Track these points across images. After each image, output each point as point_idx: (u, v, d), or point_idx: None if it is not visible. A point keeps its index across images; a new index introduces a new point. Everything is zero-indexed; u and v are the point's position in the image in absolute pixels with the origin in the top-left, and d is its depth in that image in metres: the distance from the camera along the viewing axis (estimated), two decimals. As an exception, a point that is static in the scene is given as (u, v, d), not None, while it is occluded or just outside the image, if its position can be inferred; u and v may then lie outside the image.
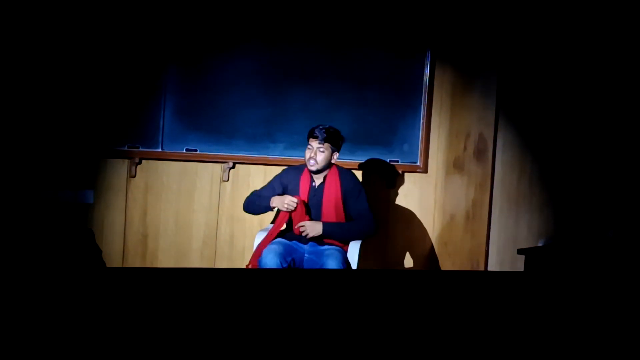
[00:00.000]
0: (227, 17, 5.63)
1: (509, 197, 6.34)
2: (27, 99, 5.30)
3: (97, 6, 5.39)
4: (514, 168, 6.32)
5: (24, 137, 5.30)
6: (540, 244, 6.25)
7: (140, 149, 5.57)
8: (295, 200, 4.91)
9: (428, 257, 6.25)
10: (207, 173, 5.74)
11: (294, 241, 5.06)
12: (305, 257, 5.03)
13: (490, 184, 6.31)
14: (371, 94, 5.98)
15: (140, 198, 5.64)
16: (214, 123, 5.66)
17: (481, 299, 3.17)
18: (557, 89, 6.20)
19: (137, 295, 2.75)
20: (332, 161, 5.08)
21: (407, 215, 6.20)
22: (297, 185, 5.06)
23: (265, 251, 4.85)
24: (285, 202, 4.93)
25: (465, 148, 6.25)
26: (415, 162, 6.12)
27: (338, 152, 5.08)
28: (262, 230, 5.26)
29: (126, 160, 5.57)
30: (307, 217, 5.00)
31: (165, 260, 5.70)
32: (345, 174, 5.13)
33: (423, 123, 6.10)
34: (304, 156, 5.09)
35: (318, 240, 5.02)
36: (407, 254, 6.22)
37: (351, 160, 5.92)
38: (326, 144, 4.98)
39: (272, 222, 5.31)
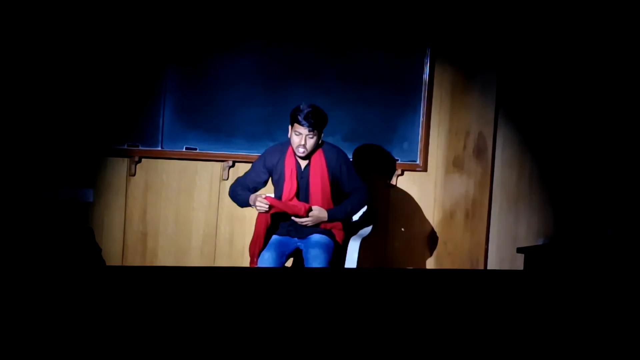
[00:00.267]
0: (227, 16, 5.63)
1: (509, 196, 6.34)
2: (26, 97, 5.30)
3: (98, 5, 5.38)
4: (513, 167, 6.32)
5: (24, 136, 5.30)
6: (539, 243, 6.26)
7: (140, 148, 5.57)
8: (266, 204, 4.79)
9: (427, 256, 6.25)
10: (206, 172, 5.74)
11: (285, 237, 5.02)
12: (300, 247, 5.02)
13: (490, 183, 6.31)
14: (371, 92, 5.98)
15: (140, 196, 5.63)
16: (214, 122, 5.66)
17: (481, 297, 3.18)
18: (557, 87, 6.21)
19: (137, 294, 2.75)
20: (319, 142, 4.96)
21: (407, 214, 6.20)
22: (283, 169, 4.94)
23: (259, 261, 4.88)
24: (256, 206, 4.85)
25: (464, 146, 6.25)
26: (415, 161, 6.12)
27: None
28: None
29: (126, 159, 5.57)
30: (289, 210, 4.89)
31: (165, 258, 5.70)
32: (329, 151, 4.99)
33: (423, 121, 6.10)
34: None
35: (313, 226, 4.98)
36: (407, 253, 6.22)
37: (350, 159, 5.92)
38: (315, 130, 4.85)
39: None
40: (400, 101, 6.05)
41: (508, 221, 6.34)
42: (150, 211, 5.67)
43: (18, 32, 5.23)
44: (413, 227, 6.21)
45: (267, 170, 5.01)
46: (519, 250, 5.26)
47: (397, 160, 6.06)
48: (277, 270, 4.45)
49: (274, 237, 5.02)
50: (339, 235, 5.03)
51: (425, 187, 6.18)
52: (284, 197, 4.90)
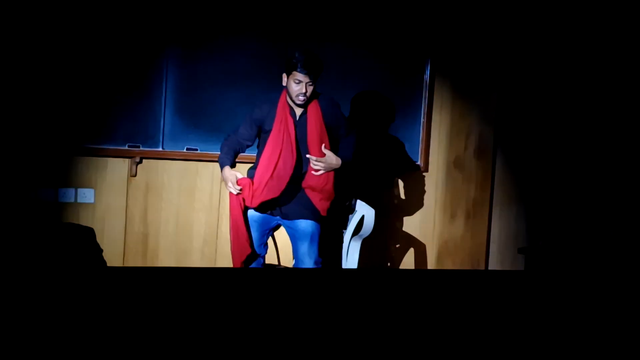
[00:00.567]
0: (228, 16, 5.63)
1: (510, 196, 6.34)
2: (26, 97, 5.29)
3: (98, 4, 5.37)
4: (514, 167, 6.32)
5: (23, 136, 5.30)
6: (540, 243, 6.26)
7: (141, 148, 5.56)
8: (238, 187, 4.70)
9: (429, 256, 6.25)
10: (207, 172, 5.74)
11: (264, 215, 4.90)
12: (283, 226, 4.97)
13: (491, 183, 6.31)
14: (372, 93, 5.98)
15: (141, 197, 5.63)
16: (215, 122, 5.65)
17: (482, 298, 3.18)
18: (557, 89, 6.20)
19: (138, 295, 2.75)
20: None
21: (408, 214, 6.20)
22: (274, 119, 4.79)
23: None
24: (228, 184, 4.75)
25: (465, 147, 6.25)
26: (416, 161, 6.12)
27: None
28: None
29: (127, 160, 5.56)
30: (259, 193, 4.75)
31: (166, 259, 5.70)
32: (322, 100, 4.88)
33: (424, 122, 6.10)
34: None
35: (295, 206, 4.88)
36: (408, 253, 6.22)
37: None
38: (315, 77, 4.73)
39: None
40: (401, 102, 6.06)
41: (509, 222, 6.34)
42: (151, 212, 5.66)
43: (18, 32, 5.23)
44: (414, 227, 6.21)
45: (257, 124, 4.87)
46: (520, 250, 5.27)
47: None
48: (279, 271, 4.45)
49: (252, 214, 4.88)
50: (323, 207, 4.90)
51: (426, 187, 6.18)
52: (279, 148, 4.76)
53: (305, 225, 4.89)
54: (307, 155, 4.81)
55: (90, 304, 2.52)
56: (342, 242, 5.28)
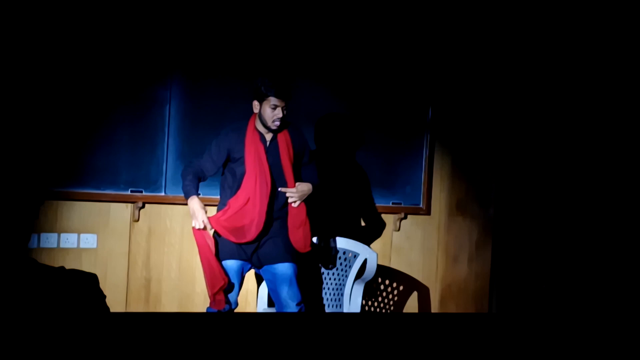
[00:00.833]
0: (229, 62, 5.67)
1: (512, 239, 6.34)
2: (27, 142, 5.30)
3: (100, 49, 5.41)
4: (515, 210, 6.32)
5: (25, 181, 5.31)
6: (544, 287, 6.23)
7: (144, 193, 5.57)
8: (204, 223, 4.62)
9: (432, 299, 6.23)
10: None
11: (239, 262, 4.81)
12: (259, 273, 4.92)
13: (493, 226, 6.31)
14: (373, 135, 6.01)
15: (144, 242, 5.63)
16: (217, 167, 5.67)
17: (486, 341, 3.16)
18: (557, 134, 6.23)
19: (141, 341, 2.74)
20: None
21: (411, 257, 6.19)
22: (243, 148, 4.76)
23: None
24: (197, 216, 4.64)
25: (467, 190, 6.26)
26: (418, 204, 6.13)
27: None
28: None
29: (129, 205, 5.57)
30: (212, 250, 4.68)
31: (169, 304, 5.68)
32: (290, 126, 4.87)
33: (425, 165, 6.12)
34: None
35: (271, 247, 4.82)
36: (411, 297, 6.20)
37: (354, 203, 5.93)
38: (288, 100, 4.74)
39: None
40: (403, 144, 6.08)
41: (512, 264, 6.33)
42: (154, 257, 5.66)
43: (19, 75, 5.25)
44: (417, 270, 6.20)
45: (225, 152, 4.79)
46: (524, 293, 5.26)
47: (401, 204, 6.07)
48: (282, 316, 4.42)
49: (229, 263, 4.78)
50: (306, 242, 4.86)
51: (428, 230, 6.19)
52: (254, 174, 4.70)
53: (284, 268, 4.83)
54: (281, 189, 4.79)
55: (94, 351, 2.51)
56: (321, 282, 5.26)
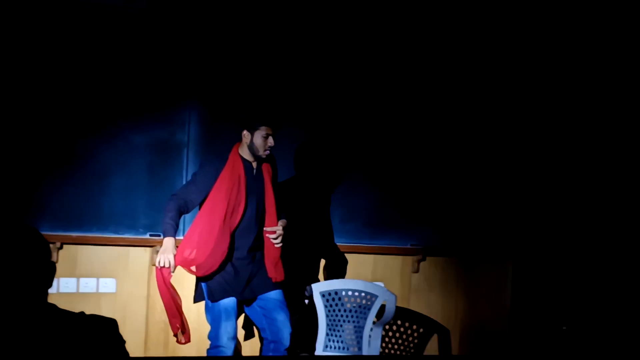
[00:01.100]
0: (242, 109, 5.72)
1: (532, 281, 6.30)
2: (43, 190, 5.35)
3: (118, 91, 5.47)
4: (535, 252, 6.30)
5: (43, 225, 5.33)
6: (564, 328, 6.18)
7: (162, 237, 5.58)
8: (170, 263, 4.49)
9: (452, 342, 6.18)
10: (228, 260, 5.74)
11: (236, 299, 4.76)
12: (255, 306, 4.87)
13: (512, 267, 6.29)
14: (388, 175, 6.03)
15: (162, 286, 5.62)
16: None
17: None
18: (575, 177, 6.22)
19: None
20: None
21: (430, 299, 6.16)
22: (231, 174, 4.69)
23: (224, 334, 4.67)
24: (166, 255, 4.50)
25: (486, 231, 6.25)
26: (437, 245, 6.12)
27: None
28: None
29: (148, 248, 5.58)
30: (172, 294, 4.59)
31: (188, 348, 5.64)
32: (272, 158, 4.88)
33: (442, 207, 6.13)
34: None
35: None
36: (431, 339, 6.16)
37: (371, 245, 5.92)
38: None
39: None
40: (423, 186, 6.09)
41: (532, 306, 6.29)
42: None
43: (40, 116, 5.31)
44: (436, 312, 6.16)
45: (214, 180, 4.68)
46: (544, 335, 5.22)
47: (419, 245, 6.06)
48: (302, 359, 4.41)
49: (227, 303, 4.70)
50: (279, 272, 4.82)
51: (447, 272, 6.16)
52: (236, 204, 4.65)
53: (276, 294, 4.83)
54: (267, 229, 4.76)
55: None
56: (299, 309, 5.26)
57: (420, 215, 6.08)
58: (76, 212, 5.37)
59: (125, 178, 5.47)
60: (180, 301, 4.68)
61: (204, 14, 5.62)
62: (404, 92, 6.08)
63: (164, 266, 4.51)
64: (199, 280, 4.79)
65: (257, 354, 4.75)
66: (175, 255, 4.55)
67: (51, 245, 5.34)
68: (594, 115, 6.24)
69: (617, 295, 6.21)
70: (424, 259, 6.11)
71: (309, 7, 5.81)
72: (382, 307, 5.30)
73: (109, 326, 2.34)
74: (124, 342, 2.37)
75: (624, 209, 6.16)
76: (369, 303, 5.31)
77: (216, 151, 5.65)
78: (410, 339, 6.07)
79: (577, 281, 6.24)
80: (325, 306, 5.36)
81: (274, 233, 4.76)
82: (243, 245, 4.76)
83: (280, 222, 4.82)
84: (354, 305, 5.34)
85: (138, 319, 5.55)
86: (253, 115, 4.69)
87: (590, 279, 6.26)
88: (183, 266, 4.65)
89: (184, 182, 5.56)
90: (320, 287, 5.43)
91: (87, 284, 5.44)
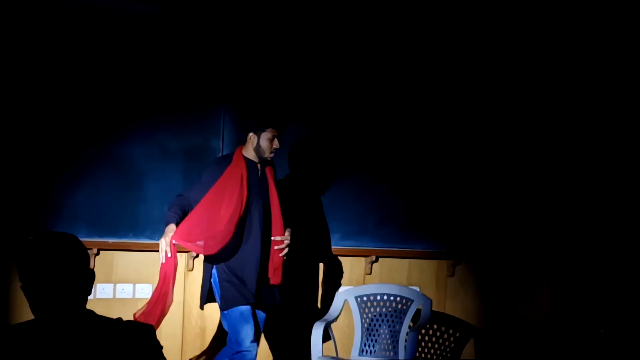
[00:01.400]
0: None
1: (568, 282, 6.25)
2: (84, 193, 5.39)
3: (157, 104, 5.51)
4: (571, 254, 6.25)
5: (77, 233, 5.38)
6: (602, 332, 6.12)
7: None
8: (167, 253, 4.50)
9: (487, 344, 6.15)
10: (263, 265, 5.75)
11: (250, 306, 4.75)
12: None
13: (547, 269, 6.25)
14: (423, 180, 6.02)
15: (199, 291, 5.63)
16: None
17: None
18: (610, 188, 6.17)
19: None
20: None
21: (465, 303, 6.13)
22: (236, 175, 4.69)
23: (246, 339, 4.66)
24: (166, 239, 4.51)
25: (521, 233, 6.22)
26: (472, 249, 6.08)
27: None
28: (319, 321, 5.20)
29: (184, 254, 5.60)
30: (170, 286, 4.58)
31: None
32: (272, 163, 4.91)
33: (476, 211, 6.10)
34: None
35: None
36: (467, 342, 6.13)
37: (406, 249, 5.92)
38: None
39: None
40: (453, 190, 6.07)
41: (568, 309, 6.24)
42: (208, 306, 5.65)
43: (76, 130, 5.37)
44: (472, 316, 6.13)
45: (211, 182, 4.69)
46: (581, 338, 5.18)
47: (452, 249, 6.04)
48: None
49: (244, 309, 4.69)
50: (277, 278, 4.83)
51: (482, 275, 6.13)
52: (239, 205, 4.64)
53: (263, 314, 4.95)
54: (275, 238, 4.77)
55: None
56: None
57: (455, 220, 6.05)
58: (112, 218, 5.41)
59: (160, 184, 5.50)
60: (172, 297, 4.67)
61: (235, 19, 5.64)
62: (442, 99, 6.06)
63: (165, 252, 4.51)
64: (207, 261, 4.80)
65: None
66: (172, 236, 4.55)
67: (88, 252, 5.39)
68: (627, 122, 6.19)
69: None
70: (459, 263, 6.08)
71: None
72: (418, 312, 5.29)
73: (146, 332, 2.36)
74: (161, 347, 2.39)
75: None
76: (404, 307, 5.30)
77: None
78: (447, 343, 6.04)
79: (614, 284, 6.18)
80: (361, 311, 5.36)
81: (281, 243, 4.79)
82: (251, 251, 4.75)
83: (287, 232, 4.83)
84: (390, 309, 5.33)
85: (174, 324, 5.57)
86: (260, 118, 4.72)
87: (626, 283, 6.19)
88: (180, 241, 4.59)
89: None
90: (355, 292, 5.43)
91: (124, 290, 5.47)
